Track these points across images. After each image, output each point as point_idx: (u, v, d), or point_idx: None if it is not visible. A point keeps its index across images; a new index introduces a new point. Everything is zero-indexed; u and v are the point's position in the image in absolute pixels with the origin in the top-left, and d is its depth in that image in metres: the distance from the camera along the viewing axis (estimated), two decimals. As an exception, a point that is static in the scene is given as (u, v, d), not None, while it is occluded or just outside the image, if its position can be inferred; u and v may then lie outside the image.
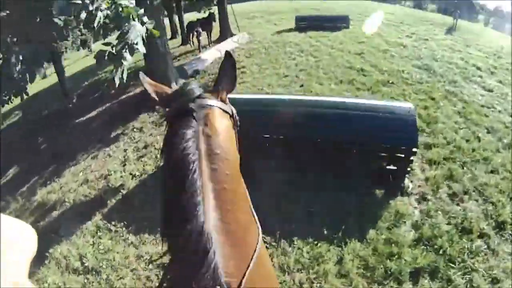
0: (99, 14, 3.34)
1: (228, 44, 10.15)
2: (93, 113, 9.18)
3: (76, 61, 21.92)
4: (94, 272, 4.31)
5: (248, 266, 0.86)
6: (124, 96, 9.50)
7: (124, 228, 4.84)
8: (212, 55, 9.69)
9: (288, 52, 8.77)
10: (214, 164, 0.89)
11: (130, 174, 5.97)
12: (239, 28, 11.77)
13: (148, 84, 1.15)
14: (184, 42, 12.53)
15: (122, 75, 3.78)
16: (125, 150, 6.78)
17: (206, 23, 11.26)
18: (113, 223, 4.99)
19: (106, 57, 3.65)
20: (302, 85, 6.93)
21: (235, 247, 0.85)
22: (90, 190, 6.00)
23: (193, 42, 11.68)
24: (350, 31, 10.17)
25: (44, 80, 16.30)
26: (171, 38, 14.17)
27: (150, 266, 4.17)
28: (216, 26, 12.30)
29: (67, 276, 4.40)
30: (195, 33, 10.96)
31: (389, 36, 9.91)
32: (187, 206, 0.82)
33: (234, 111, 1.14)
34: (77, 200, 5.88)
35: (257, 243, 0.98)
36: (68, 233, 5.09)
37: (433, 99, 6.39)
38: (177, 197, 0.86)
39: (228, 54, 1.08)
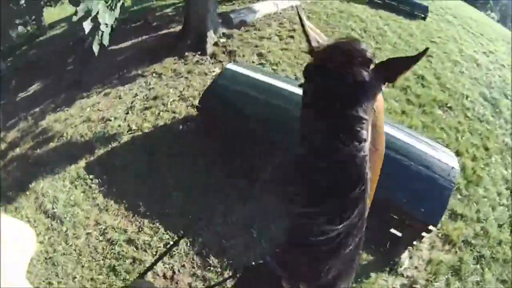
0: None
1: (290, 1, 8.91)
2: (127, 43, 8.79)
3: None
4: (58, 221, 4.32)
5: None
6: (163, 32, 8.93)
7: (96, 186, 4.67)
8: (267, 7, 8.56)
9: (349, 27, 7.39)
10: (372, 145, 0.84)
11: (128, 126, 5.64)
12: None
13: (309, 28, 1.01)
14: None
15: (101, 38, 3.35)
16: (135, 95, 6.42)
17: None
18: (90, 176, 4.87)
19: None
20: (422, 54, 5.75)
21: None
22: (87, 131, 5.85)
23: None
24: (425, 24, 8.25)
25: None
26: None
27: (101, 238, 4.04)
28: None
29: (38, 214, 4.48)
30: None
31: (464, 45, 7.86)
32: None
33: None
34: (74, 138, 5.81)
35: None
36: (53, 171, 5.13)
37: (487, 149, 5.03)
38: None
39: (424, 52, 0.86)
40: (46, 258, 3.59)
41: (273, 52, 6.77)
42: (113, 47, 8.93)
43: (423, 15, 8.69)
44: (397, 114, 4.84)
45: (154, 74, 6.97)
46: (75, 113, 6.48)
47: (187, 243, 3.67)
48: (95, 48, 3.50)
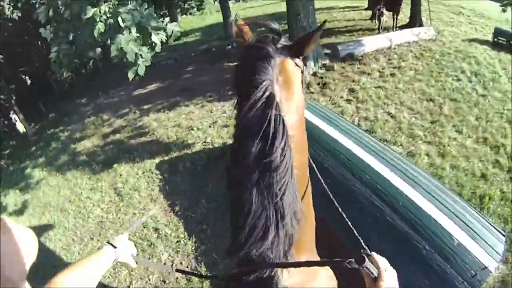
0: None
1: (405, 35, 8.40)
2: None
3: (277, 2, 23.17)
4: (120, 198, 5.39)
5: None
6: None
7: (158, 181, 5.44)
8: (379, 41, 8.27)
9: (460, 68, 6.50)
10: (284, 111, 0.94)
11: (205, 138, 6.29)
12: (431, 21, 9.50)
13: (238, 24, 1.19)
14: (372, 17, 11.16)
15: (137, 69, 3.91)
16: (223, 112, 7.03)
17: (392, 3, 9.54)
18: (157, 172, 5.68)
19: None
20: (433, 122, 5.14)
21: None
22: (173, 134, 6.75)
23: (376, 20, 10.31)
24: None
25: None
26: (366, 9, 12.87)
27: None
28: (406, 9, 10.34)
29: (109, 188, 5.73)
30: (377, 12, 9.58)
31: None
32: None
33: (304, 68, 1.16)
34: (161, 137, 6.78)
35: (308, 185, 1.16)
36: (134, 159, 6.26)
37: None
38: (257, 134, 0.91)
39: (319, 27, 1.05)
40: (99, 221, 4.96)
41: (365, 89, 6.54)
42: (226, 63, 10.08)
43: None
44: (474, 177, 4.05)
45: (246, 96, 7.48)
46: (171, 117, 7.54)
47: (192, 246, 3.98)
48: (130, 75, 4.03)
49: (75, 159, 7.12)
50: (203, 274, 3.61)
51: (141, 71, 3.95)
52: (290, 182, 0.93)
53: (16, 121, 11.36)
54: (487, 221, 2.61)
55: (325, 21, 1.16)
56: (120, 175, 5.86)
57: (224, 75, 9.08)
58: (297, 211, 0.96)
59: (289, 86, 1.00)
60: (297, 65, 1.08)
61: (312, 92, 7.02)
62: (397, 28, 9.79)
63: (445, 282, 2.19)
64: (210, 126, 6.64)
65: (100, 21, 3.73)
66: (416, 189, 2.72)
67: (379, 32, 9.58)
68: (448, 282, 2.18)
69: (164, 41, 4.13)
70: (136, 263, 1.42)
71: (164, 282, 3.68)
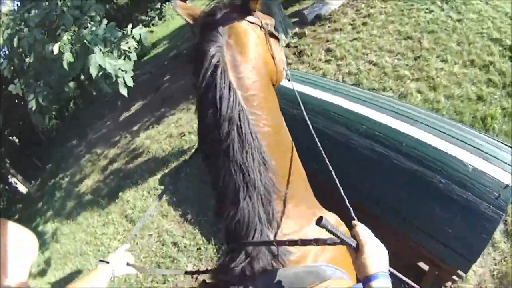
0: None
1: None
2: None
3: None
4: (132, 223, 5.38)
5: None
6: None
7: (164, 195, 5.31)
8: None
9: (428, 0, 6.41)
10: (240, 73, 0.99)
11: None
12: None
13: (180, 8, 1.21)
14: None
15: (125, 82, 3.83)
16: None
17: None
18: (161, 187, 5.58)
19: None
20: (416, 58, 5.05)
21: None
22: (167, 146, 6.70)
23: None
24: None
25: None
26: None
27: (157, 239, 4.68)
28: None
29: (121, 218, 5.72)
30: None
31: None
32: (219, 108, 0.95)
33: (268, 22, 1.18)
34: (156, 153, 6.76)
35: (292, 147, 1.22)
36: (137, 182, 6.15)
37: None
38: (209, 105, 0.97)
39: None
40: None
41: (341, 46, 6.44)
42: None
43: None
44: (471, 101, 3.98)
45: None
46: (161, 130, 7.49)
47: (214, 249, 3.94)
48: (123, 91, 3.89)
49: (81, 201, 7.09)
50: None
51: (129, 82, 3.86)
52: (250, 144, 0.96)
53: (16, 184, 11.36)
54: (496, 140, 2.48)
55: None
56: (127, 201, 5.82)
57: None
58: (265, 171, 1.00)
59: (242, 48, 1.02)
60: (251, 22, 1.09)
61: (290, 63, 6.92)
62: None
63: (469, 210, 2.09)
64: None
65: (66, 51, 3.68)
66: (416, 126, 2.62)
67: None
68: (473, 209, 2.08)
69: (136, 46, 4.05)
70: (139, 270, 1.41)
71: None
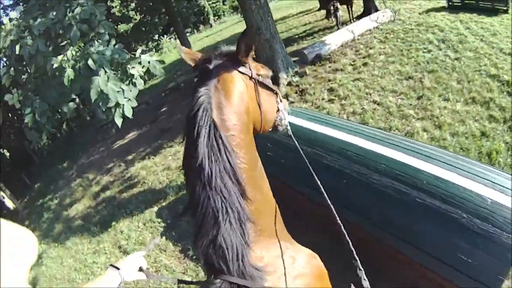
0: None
1: (365, 24, 8.68)
2: None
3: (232, 24, 23.91)
4: (126, 255, 5.05)
5: None
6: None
7: (162, 229, 5.27)
8: (341, 36, 8.51)
9: (426, 40, 6.77)
10: (223, 115, 1.11)
11: None
12: (384, 3, 9.95)
13: (184, 53, 1.38)
14: (327, 16, 11.53)
15: (122, 112, 3.77)
16: None
17: None
18: (159, 220, 5.45)
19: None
20: (419, 98, 5.27)
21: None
22: (165, 178, 6.61)
23: (332, 17, 10.67)
24: (508, 18, 6.90)
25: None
26: (319, 9, 13.30)
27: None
28: None
29: (113, 248, 5.55)
30: (332, 8, 9.91)
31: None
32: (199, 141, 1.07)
33: (262, 73, 1.36)
34: (153, 184, 6.64)
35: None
36: (131, 213, 6.06)
37: None
38: (192, 137, 1.09)
39: (244, 33, 1.23)
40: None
41: (344, 85, 6.66)
42: None
43: (503, 6, 7.43)
44: (476, 137, 4.15)
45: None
46: (158, 161, 7.44)
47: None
48: (118, 121, 3.76)
49: (71, 226, 6.92)
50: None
51: (129, 112, 3.73)
52: (229, 173, 1.08)
53: (4, 198, 11.16)
54: (507, 173, 2.65)
55: (247, 27, 1.50)
56: (121, 231, 5.67)
57: None
58: (241, 201, 1.10)
59: (227, 93, 1.16)
60: (241, 72, 1.25)
61: (292, 102, 7.06)
62: (355, 20, 10.11)
63: (492, 241, 2.18)
64: None
65: (69, 67, 3.55)
66: (432, 163, 2.72)
67: (338, 28, 9.87)
68: (495, 240, 2.17)
69: (142, 73, 3.97)
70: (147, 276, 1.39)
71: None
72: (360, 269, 1.16)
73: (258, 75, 1.33)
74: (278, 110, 1.53)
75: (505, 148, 3.86)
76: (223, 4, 35.82)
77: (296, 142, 1.74)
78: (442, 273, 2.40)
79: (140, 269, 1.35)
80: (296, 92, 7.38)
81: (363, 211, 2.85)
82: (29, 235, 0.74)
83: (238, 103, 1.17)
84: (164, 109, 10.97)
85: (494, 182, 2.48)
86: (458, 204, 2.39)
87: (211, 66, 1.21)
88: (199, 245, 1.09)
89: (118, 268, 1.25)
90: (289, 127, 1.67)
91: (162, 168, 7.06)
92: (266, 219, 1.30)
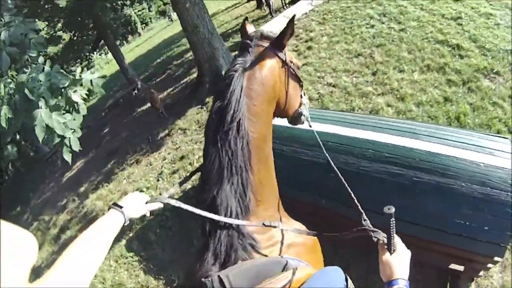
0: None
1: (301, 8, 8.74)
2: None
3: (161, 29, 23.61)
4: None
5: None
6: (183, 81, 9.40)
7: (137, 263, 4.85)
8: (277, 24, 8.47)
9: (367, 16, 6.95)
10: (252, 85, 1.24)
11: (160, 194, 5.78)
12: None
13: (245, 27, 1.53)
14: (258, 5, 11.55)
15: (70, 145, 3.32)
16: (163, 159, 6.67)
17: None
18: (131, 254, 5.05)
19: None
20: (374, 73, 5.36)
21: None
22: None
23: (265, 5, 10.69)
24: None
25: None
26: (247, 1, 13.33)
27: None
28: None
29: None
30: None
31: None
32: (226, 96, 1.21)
33: (293, 60, 1.47)
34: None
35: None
36: None
37: None
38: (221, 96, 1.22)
39: (291, 20, 1.29)
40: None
41: None
42: (142, 108, 9.72)
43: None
44: (440, 104, 4.27)
45: (179, 131, 7.21)
46: (113, 188, 6.93)
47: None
48: (67, 157, 3.37)
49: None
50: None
51: (75, 145, 3.32)
52: (244, 138, 1.19)
53: None
54: (487, 135, 2.80)
55: (294, 15, 1.39)
56: (95, 276, 5.17)
57: (141, 122, 8.71)
58: (248, 167, 1.21)
59: (260, 68, 1.27)
60: (278, 56, 1.35)
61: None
62: (288, 5, 10.16)
63: (494, 203, 2.28)
64: (158, 180, 6.21)
65: (3, 103, 3.05)
66: (420, 139, 2.71)
67: (272, 16, 9.85)
68: (496, 201, 2.28)
69: (86, 96, 3.55)
70: (150, 213, 1.37)
71: None
72: (364, 219, 1.35)
73: (291, 62, 1.44)
74: (300, 104, 1.63)
75: (471, 109, 3.99)
76: (149, 11, 35.93)
77: (321, 145, 1.93)
78: (450, 243, 2.46)
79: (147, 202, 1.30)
80: None
81: (361, 203, 2.74)
82: (29, 236, 0.74)
83: (267, 77, 1.28)
84: (106, 129, 10.34)
85: (480, 146, 2.57)
86: (455, 174, 2.44)
87: (252, 44, 1.31)
88: (201, 201, 1.19)
89: (121, 207, 1.18)
90: (309, 121, 1.82)
91: (119, 194, 6.58)
92: (266, 193, 1.36)
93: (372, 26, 6.48)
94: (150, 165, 6.80)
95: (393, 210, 1.08)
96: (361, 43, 6.26)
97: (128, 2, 13.18)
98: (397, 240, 1.11)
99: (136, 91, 11.27)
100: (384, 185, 2.62)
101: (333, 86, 5.68)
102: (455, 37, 5.11)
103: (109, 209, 1.20)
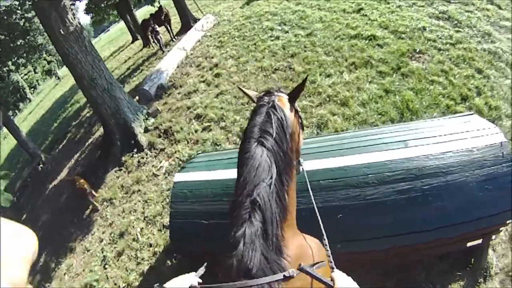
0: None
1: (192, 36, 8.62)
2: (64, 172, 8.60)
3: (50, 90, 22.32)
4: None
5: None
6: (88, 142, 8.61)
7: None
8: (173, 58, 8.23)
9: (267, 28, 7.08)
10: (269, 143, 1.35)
11: (115, 284, 5.05)
12: (201, 10, 10.24)
13: (247, 92, 1.74)
14: (145, 44, 11.34)
15: None
16: (100, 241, 5.83)
17: (159, 16, 9.89)
18: None
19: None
20: (303, 83, 5.32)
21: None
22: None
23: (153, 42, 10.48)
24: None
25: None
26: (132, 42, 12.97)
27: None
28: (175, 14, 10.87)
29: None
30: (151, 33, 9.70)
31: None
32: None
33: (299, 113, 1.68)
34: None
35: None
36: None
37: (480, 71, 4.62)
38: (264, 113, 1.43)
39: (304, 80, 1.61)
40: None
41: (209, 106, 6.30)
42: (54, 183, 8.64)
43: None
44: (383, 97, 4.45)
45: (105, 203, 6.43)
46: (56, 288, 5.89)
47: None
48: None
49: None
50: None
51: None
52: (286, 154, 1.38)
53: None
54: (454, 117, 3.19)
55: (307, 76, 1.78)
56: None
57: (58, 200, 7.82)
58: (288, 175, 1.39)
59: (284, 107, 1.49)
60: (292, 106, 1.59)
61: (163, 149, 6.45)
62: (176, 38, 10.03)
63: (494, 178, 2.57)
64: (105, 267, 5.44)
65: None
66: (410, 145, 2.83)
67: (163, 51, 9.62)
68: (496, 176, 2.57)
69: None
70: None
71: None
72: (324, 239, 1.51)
73: (300, 113, 1.69)
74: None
75: (414, 94, 4.21)
76: (35, 72, 35.33)
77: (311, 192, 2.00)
78: (473, 228, 2.64)
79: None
80: (160, 136, 6.78)
81: (379, 232, 2.67)
82: (29, 233, 0.75)
83: (286, 127, 1.43)
84: (24, 216, 8.99)
85: (462, 132, 2.87)
86: (459, 168, 2.63)
87: (273, 93, 1.56)
88: (238, 194, 1.28)
89: None
90: (304, 169, 2.05)
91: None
92: (293, 217, 1.49)
93: (278, 38, 6.59)
94: (88, 251, 5.91)
95: (302, 264, 1.20)
96: (272, 57, 6.30)
97: (13, 68, 11.82)
98: (335, 274, 1.24)
99: (41, 165, 10.13)
100: (398, 205, 2.59)
101: (258, 108, 5.54)
102: (366, 28, 5.40)
103: None
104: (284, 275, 1.15)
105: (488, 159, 2.62)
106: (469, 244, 2.88)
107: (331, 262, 1.38)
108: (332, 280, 1.20)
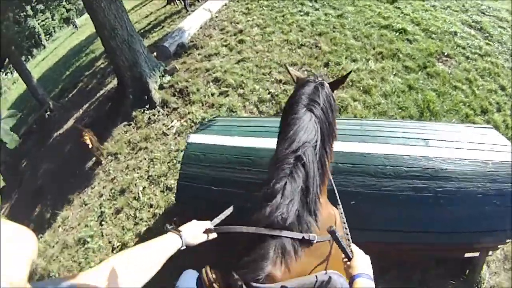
0: None
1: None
2: (71, 121, 8.64)
3: (66, 38, 22.21)
4: None
5: None
6: (100, 94, 8.65)
7: None
8: (197, 18, 8.19)
9: (297, 2, 7.01)
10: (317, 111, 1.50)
11: (109, 242, 5.20)
12: None
13: (292, 72, 1.90)
14: (169, 1, 11.11)
15: None
16: (100, 196, 6.02)
17: None
18: None
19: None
20: (326, 65, 5.48)
21: None
22: (70, 261, 5.46)
23: (175, 1, 10.33)
24: None
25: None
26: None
27: None
28: None
29: None
30: None
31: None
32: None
33: (336, 99, 1.72)
34: (62, 273, 5.43)
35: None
36: None
37: (503, 88, 4.74)
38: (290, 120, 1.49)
39: (348, 73, 1.84)
40: None
41: (229, 71, 6.37)
42: (60, 132, 8.74)
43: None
44: (406, 93, 4.59)
45: (109, 157, 6.53)
46: (50, 239, 6.11)
47: None
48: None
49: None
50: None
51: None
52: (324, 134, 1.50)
53: None
54: (473, 127, 3.27)
55: (350, 71, 1.95)
56: None
57: (62, 150, 7.92)
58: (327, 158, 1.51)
59: (321, 95, 1.58)
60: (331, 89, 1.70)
61: (176, 108, 6.51)
62: (202, -2, 9.87)
63: (504, 195, 2.64)
64: (101, 224, 5.51)
65: None
66: (429, 145, 2.94)
67: (187, 11, 9.53)
68: (507, 193, 2.63)
69: None
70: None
71: None
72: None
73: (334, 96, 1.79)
74: None
75: (436, 96, 4.35)
76: (52, 19, 34.82)
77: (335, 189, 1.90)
78: (477, 240, 2.78)
79: (206, 231, 1.36)
80: (175, 95, 6.79)
81: (388, 225, 2.82)
82: (29, 233, 0.76)
83: (328, 107, 1.57)
84: (24, 163, 9.15)
85: (479, 143, 2.98)
86: (472, 178, 2.71)
87: (317, 79, 1.66)
88: (283, 149, 1.40)
89: (179, 231, 1.26)
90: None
91: (59, 248, 5.87)
92: (326, 181, 1.59)
93: (307, 14, 6.60)
94: (85, 205, 6.06)
95: (334, 227, 1.26)
96: (300, 32, 6.33)
97: (31, 13, 11.68)
98: (353, 248, 1.36)
99: (49, 113, 10.17)
100: (410, 202, 2.72)
101: (284, 83, 5.64)
102: (397, 21, 5.44)
103: (167, 231, 1.27)
104: (303, 237, 1.24)
105: (501, 175, 2.68)
106: (467, 254, 3.10)
107: (347, 234, 1.51)
108: (351, 252, 1.31)
